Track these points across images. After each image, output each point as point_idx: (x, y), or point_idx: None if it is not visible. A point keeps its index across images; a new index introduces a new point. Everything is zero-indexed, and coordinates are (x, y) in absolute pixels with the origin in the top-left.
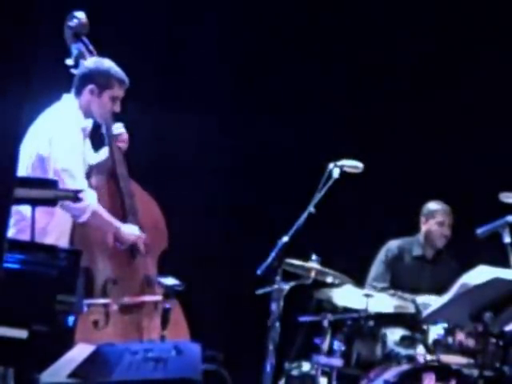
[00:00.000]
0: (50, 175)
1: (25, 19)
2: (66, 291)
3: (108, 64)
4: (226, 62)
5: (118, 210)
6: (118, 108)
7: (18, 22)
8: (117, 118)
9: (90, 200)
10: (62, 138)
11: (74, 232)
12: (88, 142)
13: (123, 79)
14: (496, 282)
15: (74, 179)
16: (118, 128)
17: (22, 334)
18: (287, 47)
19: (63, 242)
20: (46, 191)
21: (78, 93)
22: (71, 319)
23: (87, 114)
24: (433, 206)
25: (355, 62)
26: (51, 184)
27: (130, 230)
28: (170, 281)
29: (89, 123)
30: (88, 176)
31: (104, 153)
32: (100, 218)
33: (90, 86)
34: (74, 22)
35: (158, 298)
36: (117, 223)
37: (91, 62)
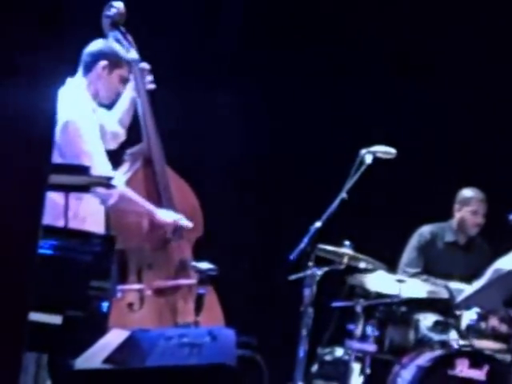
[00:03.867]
0: (67, 160)
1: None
2: (100, 277)
3: (114, 45)
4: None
5: (154, 196)
6: (123, 89)
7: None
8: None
9: (116, 183)
10: (76, 121)
11: (109, 216)
12: (101, 111)
13: (131, 60)
14: None
15: (94, 162)
16: (144, 69)
17: (56, 319)
18: (315, 31)
19: (98, 226)
20: (79, 177)
21: (88, 70)
22: (105, 305)
23: (94, 93)
24: (468, 193)
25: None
26: (84, 170)
27: (166, 215)
28: (205, 265)
29: (95, 103)
30: (123, 161)
31: (120, 106)
32: (128, 201)
33: (103, 62)
34: (112, 12)
35: (193, 281)
36: (150, 206)
37: (100, 41)
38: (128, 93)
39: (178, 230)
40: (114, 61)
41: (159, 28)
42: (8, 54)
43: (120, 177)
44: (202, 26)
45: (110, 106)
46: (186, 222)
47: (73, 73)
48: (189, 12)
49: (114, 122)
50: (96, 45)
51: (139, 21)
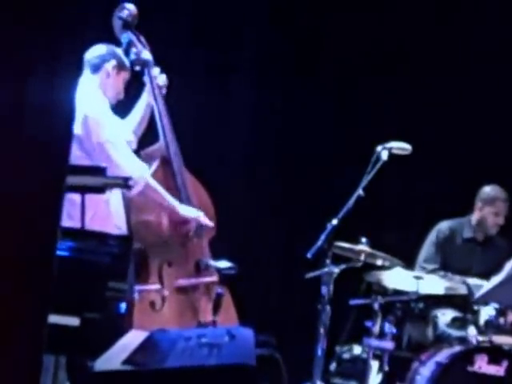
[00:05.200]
0: (88, 153)
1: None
2: (118, 278)
3: (117, 49)
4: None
5: (173, 195)
6: (122, 95)
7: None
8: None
9: (143, 172)
10: (96, 114)
11: (130, 214)
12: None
13: (144, 60)
14: None
15: (118, 150)
16: (157, 71)
17: (74, 321)
18: (332, 33)
19: (120, 220)
20: (95, 178)
21: (96, 70)
22: (123, 306)
23: (102, 92)
24: (491, 192)
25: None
26: (100, 171)
27: (189, 211)
28: (224, 264)
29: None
30: None
31: (135, 116)
32: (153, 191)
33: (113, 62)
34: (124, 13)
35: (214, 278)
36: (173, 201)
37: (103, 46)
38: (143, 102)
39: (199, 227)
40: (122, 63)
41: (174, 27)
42: (26, 50)
43: (145, 166)
44: (216, 27)
45: (118, 112)
46: (207, 221)
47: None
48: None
49: (128, 129)
50: (102, 47)
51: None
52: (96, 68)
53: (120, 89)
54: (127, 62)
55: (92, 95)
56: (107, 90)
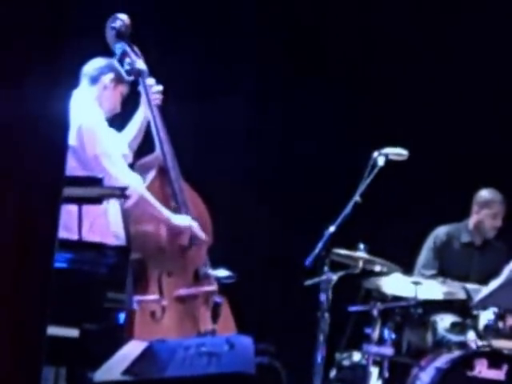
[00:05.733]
0: (83, 164)
1: (70, 13)
2: (116, 289)
3: (116, 63)
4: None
5: (170, 204)
6: (119, 108)
7: (65, 16)
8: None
9: (137, 185)
10: (91, 125)
11: (128, 225)
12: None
13: (128, 78)
14: None
15: (114, 163)
16: (152, 81)
17: (73, 333)
18: (326, 36)
19: (118, 230)
20: (92, 189)
21: (94, 82)
22: (122, 316)
23: (98, 105)
24: (488, 195)
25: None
26: (96, 182)
27: (183, 220)
28: (222, 272)
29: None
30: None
31: (131, 130)
32: (147, 204)
33: (111, 75)
34: (117, 23)
35: (214, 288)
36: (167, 212)
37: (103, 59)
38: (139, 116)
39: (193, 237)
40: (119, 76)
41: (171, 43)
42: (20, 58)
43: (139, 178)
44: (214, 40)
45: (115, 125)
46: (200, 232)
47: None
48: (201, 26)
49: (124, 144)
50: (101, 61)
51: (151, 36)
52: (94, 80)
53: (116, 102)
54: (126, 76)
55: (88, 106)
56: (103, 103)
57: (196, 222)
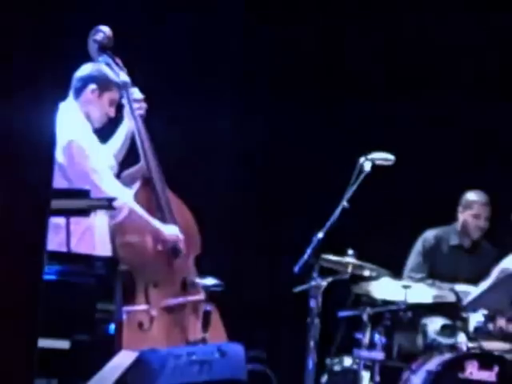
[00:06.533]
0: (70, 181)
1: (57, 29)
2: (105, 299)
3: (103, 68)
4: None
5: (156, 215)
6: (113, 113)
7: (51, 33)
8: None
9: (126, 198)
10: (79, 141)
11: (115, 236)
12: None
13: (119, 83)
14: None
15: (103, 178)
16: (135, 91)
17: (64, 344)
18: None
19: (105, 247)
20: (79, 201)
21: (78, 94)
22: (112, 327)
23: (85, 117)
24: (470, 196)
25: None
26: (84, 194)
27: (171, 230)
28: (210, 281)
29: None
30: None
31: (116, 141)
32: (138, 217)
33: (92, 86)
34: (99, 36)
35: (201, 297)
36: (156, 223)
37: (90, 65)
38: (124, 127)
39: (177, 248)
40: (104, 84)
41: (156, 53)
42: (6, 74)
43: (129, 192)
44: (200, 50)
45: (101, 135)
46: (182, 245)
47: (63, 97)
48: (187, 35)
49: (110, 155)
50: (85, 69)
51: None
52: (77, 93)
53: (105, 110)
54: (114, 81)
55: (74, 121)
56: (90, 115)
57: (182, 234)
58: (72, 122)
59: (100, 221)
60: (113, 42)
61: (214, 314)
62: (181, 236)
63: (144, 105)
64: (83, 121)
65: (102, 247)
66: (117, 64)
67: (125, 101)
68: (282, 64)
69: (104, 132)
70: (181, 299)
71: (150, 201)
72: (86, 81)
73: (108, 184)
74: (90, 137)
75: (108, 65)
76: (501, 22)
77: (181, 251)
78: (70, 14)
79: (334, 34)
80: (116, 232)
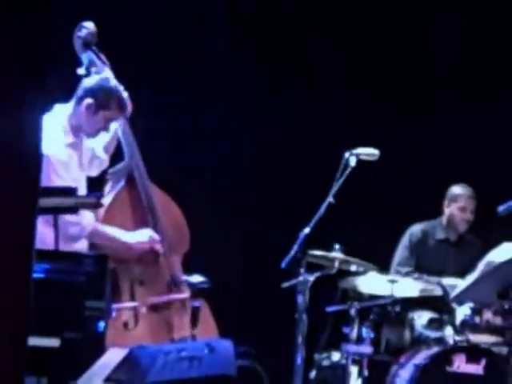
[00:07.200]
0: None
1: (42, 31)
2: (95, 297)
3: (114, 85)
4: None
5: (141, 213)
6: (107, 129)
7: (35, 35)
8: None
9: (86, 220)
10: (50, 156)
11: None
12: (88, 142)
13: (124, 105)
14: None
15: None
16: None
17: (54, 342)
18: (294, 36)
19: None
20: (67, 199)
21: (78, 103)
22: (102, 324)
23: (76, 127)
24: (456, 190)
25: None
26: (71, 192)
27: (139, 238)
28: (196, 278)
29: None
30: (106, 181)
31: (105, 135)
32: (100, 236)
33: (89, 101)
34: (83, 32)
35: (186, 295)
36: (123, 237)
37: (99, 78)
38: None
39: (156, 250)
40: (102, 102)
41: (141, 49)
42: None
43: (89, 214)
44: (184, 49)
45: None
46: (158, 246)
47: (67, 99)
48: (171, 32)
49: (99, 148)
50: (91, 80)
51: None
52: (77, 101)
53: (97, 127)
54: (114, 100)
55: (52, 131)
56: (82, 125)
57: (167, 230)
58: (49, 134)
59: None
60: (97, 38)
61: (204, 310)
62: (156, 237)
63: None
64: (63, 131)
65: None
66: (100, 60)
67: None
68: (267, 60)
69: None
70: (165, 297)
71: (135, 199)
72: (86, 93)
73: None
74: (62, 151)
75: (92, 61)
76: None
77: (159, 254)
78: (57, 16)
79: (315, 28)
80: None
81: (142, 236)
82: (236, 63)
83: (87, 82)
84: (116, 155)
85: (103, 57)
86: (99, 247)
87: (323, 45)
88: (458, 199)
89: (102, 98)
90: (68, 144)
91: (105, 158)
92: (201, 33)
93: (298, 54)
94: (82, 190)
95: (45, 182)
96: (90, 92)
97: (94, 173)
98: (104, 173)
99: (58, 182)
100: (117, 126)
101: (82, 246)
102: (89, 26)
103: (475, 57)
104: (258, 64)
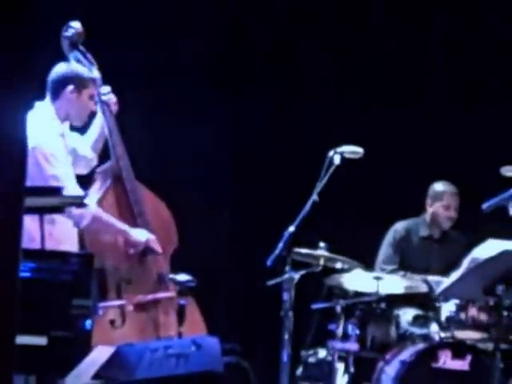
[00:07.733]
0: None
1: (27, 27)
2: (82, 295)
3: (76, 66)
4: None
5: (128, 213)
6: (94, 107)
7: (20, 31)
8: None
9: (88, 204)
10: (42, 147)
11: (84, 236)
12: (73, 135)
13: (94, 77)
14: (505, 255)
15: (66, 187)
16: (106, 89)
17: (41, 341)
18: (286, 34)
19: (71, 248)
20: (52, 199)
21: (56, 96)
22: (88, 323)
23: (65, 117)
24: (439, 187)
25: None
26: (56, 191)
27: (139, 234)
28: (183, 277)
29: (66, 127)
30: (93, 180)
31: (92, 133)
32: (101, 222)
33: (70, 87)
34: (70, 32)
35: (172, 294)
36: (123, 226)
37: (63, 66)
38: (99, 118)
39: (149, 250)
40: (80, 82)
41: (129, 48)
42: None
43: (92, 197)
44: (172, 48)
45: (82, 129)
46: (156, 246)
47: (40, 96)
48: (159, 34)
49: (87, 146)
50: (59, 70)
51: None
52: (55, 95)
53: (86, 107)
54: (88, 77)
55: (42, 124)
56: (71, 114)
57: (155, 230)
58: (40, 126)
59: (67, 227)
60: (84, 38)
61: (191, 307)
62: (152, 237)
63: (114, 99)
64: (53, 124)
65: (69, 243)
66: (88, 59)
67: (96, 97)
68: (254, 58)
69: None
70: (151, 296)
71: (122, 198)
72: (63, 82)
73: (68, 191)
74: (55, 141)
75: (79, 61)
76: None
77: (155, 253)
78: (42, 11)
79: (303, 27)
80: (83, 237)
81: (140, 234)
82: (224, 61)
83: (56, 75)
84: (104, 152)
85: (90, 56)
86: (89, 244)
87: (311, 44)
88: (442, 197)
89: (78, 80)
90: (61, 134)
91: (92, 156)
92: (192, 29)
93: (285, 52)
94: (74, 183)
95: (36, 173)
96: (66, 80)
97: (83, 171)
98: (92, 171)
99: (48, 171)
100: (101, 122)
101: (71, 246)
102: (75, 25)
103: (461, 59)
104: (244, 63)
